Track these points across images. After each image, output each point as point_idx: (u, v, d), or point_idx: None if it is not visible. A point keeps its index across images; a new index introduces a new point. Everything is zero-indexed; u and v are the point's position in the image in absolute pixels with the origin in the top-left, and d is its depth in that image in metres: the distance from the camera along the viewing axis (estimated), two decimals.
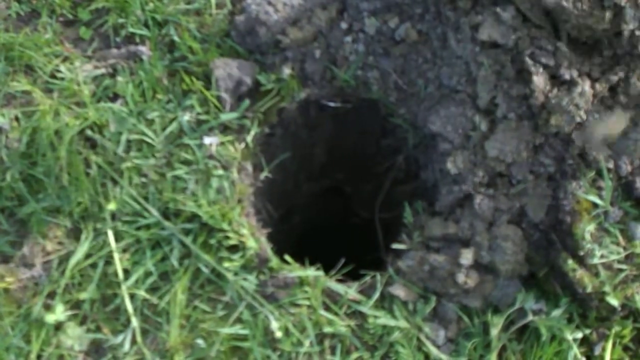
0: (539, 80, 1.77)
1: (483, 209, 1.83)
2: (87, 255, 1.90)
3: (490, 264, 1.79)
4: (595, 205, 1.72)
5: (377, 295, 1.83)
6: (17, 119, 2.04)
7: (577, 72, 1.77)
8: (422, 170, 2.14)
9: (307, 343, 1.79)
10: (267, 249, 1.89)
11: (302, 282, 1.84)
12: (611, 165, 1.74)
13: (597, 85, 1.76)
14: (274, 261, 1.86)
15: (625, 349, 1.77)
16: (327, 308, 1.84)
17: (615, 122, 1.73)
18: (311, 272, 1.85)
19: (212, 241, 1.88)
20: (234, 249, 1.88)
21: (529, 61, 1.78)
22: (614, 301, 1.69)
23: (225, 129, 2.05)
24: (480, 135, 1.88)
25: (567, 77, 1.76)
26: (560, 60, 1.78)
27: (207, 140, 2.00)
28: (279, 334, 1.79)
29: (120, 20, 2.22)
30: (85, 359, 1.82)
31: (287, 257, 1.87)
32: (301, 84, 2.11)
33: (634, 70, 1.76)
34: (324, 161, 2.31)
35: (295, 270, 1.85)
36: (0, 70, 2.09)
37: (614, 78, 1.77)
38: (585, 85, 1.74)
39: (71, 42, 2.21)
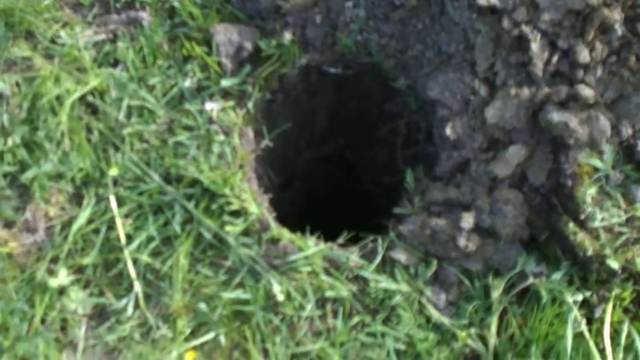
0: (537, 47, 1.76)
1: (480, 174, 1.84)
2: (90, 221, 1.90)
3: (491, 228, 1.80)
4: (596, 169, 1.73)
5: (378, 259, 1.84)
6: (17, 84, 2.04)
7: (575, 38, 1.77)
8: (423, 135, 2.14)
9: (308, 307, 1.81)
10: (269, 218, 1.88)
11: (302, 249, 1.85)
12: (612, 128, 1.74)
13: (596, 51, 1.76)
14: (275, 231, 1.86)
15: (626, 311, 1.78)
16: (329, 273, 1.85)
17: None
18: (311, 243, 1.86)
19: (214, 206, 1.88)
20: (235, 214, 1.89)
21: (526, 28, 1.77)
22: (614, 264, 1.70)
23: (226, 94, 2.05)
24: (479, 100, 1.88)
25: (565, 44, 1.76)
26: (558, 26, 1.77)
27: (208, 105, 2.00)
28: (281, 298, 1.80)
29: None
30: (89, 323, 1.84)
31: (286, 232, 1.87)
32: (302, 49, 2.10)
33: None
34: (325, 127, 2.31)
35: (295, 242, 1.85)
36: (1, 36, 2.08)
37: (615, 43, 1.77)
38: (584, 51, 1.74)
39: (71, 8, 2.19)
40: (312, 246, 1.85)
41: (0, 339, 1.79)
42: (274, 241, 1.87)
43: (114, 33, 2.12)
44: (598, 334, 1.76)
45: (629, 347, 1.75)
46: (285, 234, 1.86)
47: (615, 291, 1.76)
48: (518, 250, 1.80)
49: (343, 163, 2.45)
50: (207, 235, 1.86)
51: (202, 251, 1.88)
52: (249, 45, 2.05)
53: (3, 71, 2.05)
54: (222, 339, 1.81)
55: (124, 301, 1.83)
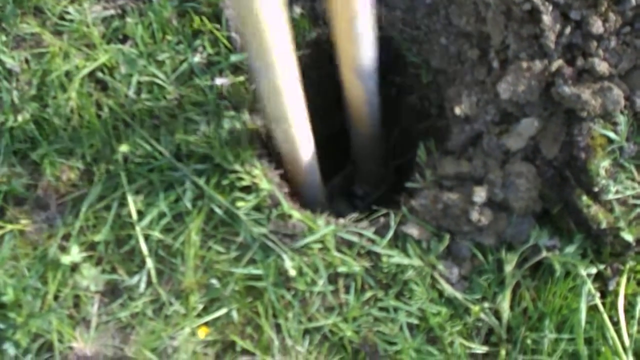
0: (549, 19, 1.74)
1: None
2: (101, 197, 1.90)
3: (503, 202, 1.78)
4: (610, 141, 1.71)
5: (390, 234, 1.84)
6: (27, 61, 2.03)
7: (588, 9, 1.75)
8: (434, 109, 2.12)
9: (320, 282, 1.80)
10: (279, 196, 1.87)
11: (312, 230, 1.84)
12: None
13: (610, 22, 1.73)
14: (285, 207, 1.86)
15: None
16: (340, 249, 1.84)
17: None
18: (322, 222, 1.85)
19: (225, 182, 1.88)
20: (246, 190, 1.88)
21: (537, 0, 1.75)
22: (628, 237, 1.69)
23: (236, 69, 2.04)
24: (492, 74, 1.87)
25: (578, 15, 1.74)
26: None
27: (218, 81, 1.99)
28: (293, 273, 1.79)
29: None
30: (101, 299, 1.84)
31: (296, 212, 1.86)
32: (312, 23, 2.09)
33: None
34: (335, 102, 2.29)
35: (306, 222, 1.84)
36: (9, 12, 2.07)
37: (629, 13, 1.74)
38: (598, 22, 1.72)
39: None
40: (323, 226, 1.84)
41: (13, 316, 1.79)
42: (285, 218, 1.86)
43: (123, 8, 2.11)
44: (612, 307, 1.75)
45: None
46: (296, 214, 1.86)
47: (630, 264, 1.75)
48: (531, 223, 1.79)
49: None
50: (219, 212, 1.86)
51: (213, 227, 1.87)
52: None
53: (12, 48, 2.05)
54: (235, 314, 1.81)
55: (136, 278, 1.84)
